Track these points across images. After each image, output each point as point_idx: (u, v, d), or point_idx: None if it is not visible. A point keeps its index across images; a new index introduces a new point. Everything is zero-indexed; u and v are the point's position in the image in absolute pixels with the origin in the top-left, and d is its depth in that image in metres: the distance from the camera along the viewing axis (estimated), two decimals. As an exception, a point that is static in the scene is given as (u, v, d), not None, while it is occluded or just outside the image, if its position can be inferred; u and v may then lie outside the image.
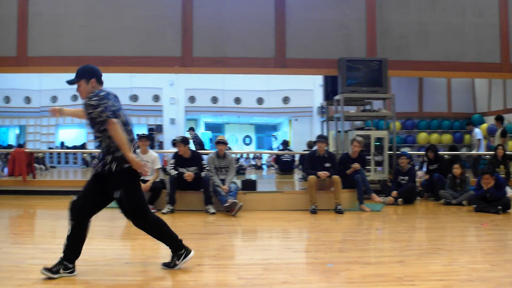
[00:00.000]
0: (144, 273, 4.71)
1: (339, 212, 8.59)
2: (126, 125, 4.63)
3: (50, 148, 23.55)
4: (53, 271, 4.39)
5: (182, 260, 4.74)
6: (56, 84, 22.20)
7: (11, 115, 23.15)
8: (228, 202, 8.37)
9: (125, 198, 4.49)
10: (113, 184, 4.52)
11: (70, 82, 4.74)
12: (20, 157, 11.56)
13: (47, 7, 11.13)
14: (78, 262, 4.62)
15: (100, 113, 4.41)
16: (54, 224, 7.99)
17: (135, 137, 4.92)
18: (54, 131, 24.44)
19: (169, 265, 4.75)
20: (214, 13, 11.28)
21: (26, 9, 11.07)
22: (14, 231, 7.24)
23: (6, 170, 12.15)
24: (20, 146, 17.65)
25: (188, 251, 4.78)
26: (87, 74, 4.71)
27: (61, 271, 4.43)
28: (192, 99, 23.85)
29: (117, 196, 4.49)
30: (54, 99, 23.43)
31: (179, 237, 4.82)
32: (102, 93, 4.56)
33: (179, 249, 4.77)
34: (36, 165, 13.86)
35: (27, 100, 23.49)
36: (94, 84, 4.68)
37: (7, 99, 23.38)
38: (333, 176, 8.94)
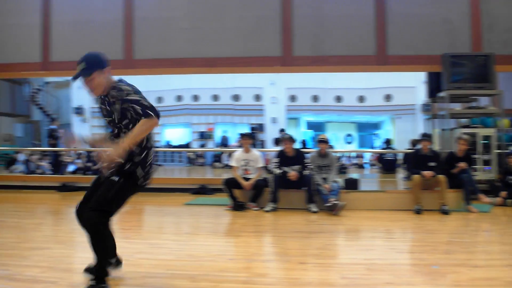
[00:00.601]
0: (247, 270, 4.78)
1: (445, 212, 8.35)
2: None
3: (156, 147, 24.36)
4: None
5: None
6: (160, 86, 23.07)
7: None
8: (330, 202, 8.35)
9: (110, 186, 3.90)
10: (120, 169, 3.95)
11: (76, 77, 3.88)
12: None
13: (152, 12, 11.59)
14: (184, 257, 4.78)
15: (142, 109, 3.78)
16: (160, 220, 8.30)
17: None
18: (160, 130, 25.30)
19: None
20: (314, 11, 11.27)
21: (131, 14, 11.57)
22: (123, 226, 7.56)
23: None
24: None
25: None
26: (99, 64, 3.92)
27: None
28: (293, 98, 23.99)
29: (116, 179, 3.91)
30: (159, 100, 24.32)
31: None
32: (134, 87, 3.95)
33: (102, 279, 3.90)
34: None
35: (133, 101, 24.45)
36: (107, 73, 3.95)
37: (115, 101, 24.43)
38: (438, 175, 8.70)
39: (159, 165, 23.15)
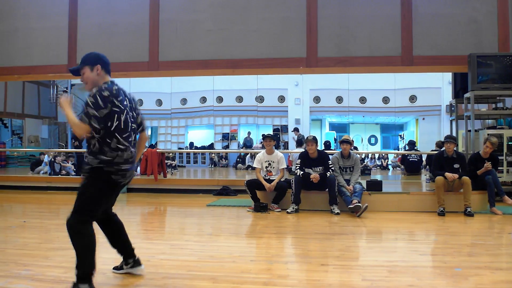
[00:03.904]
0: (268, 271, 4.75)
1: (469, 214, 8.24)
2: (125, 131, 4.16)
3: (180, 148, 24.54)
4: None
5: None
6: (185, 87, 23.19)
7: (144, 117, 24.39)
8: (353, 203, 8.29)
9: (81, 189, 4.18)
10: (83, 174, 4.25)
11: (73, 71, 4.15)
12: (152, 157, 12.18)
13: (177, 14, 11.62)
14: (205, 258, 4.79)
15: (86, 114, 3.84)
16: (183, 221, 8.33)
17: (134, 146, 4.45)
18: (184, 132, 25.44)
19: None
20: (339, 12, 11.19)
21: (158, 17, 11.63)
22: (145, 227, 7.61)
23: (138, 169, 12.79)
24: (152, 146, 18.52)
25: None
26: (92, 60, 4.05)
27: None
28: (317, 99, 23.94)
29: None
30: (184, 101, 24.45)
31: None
32: (107, 92, 3.91)
33: (84, 280, 3.83)
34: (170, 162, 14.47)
35: (159, 102, 24.69)
36: (99, 71, 4.03)
37: (140, 102, 24.67)
38: (462, 177, 8.59)
39: (183, 166, 23.28)
